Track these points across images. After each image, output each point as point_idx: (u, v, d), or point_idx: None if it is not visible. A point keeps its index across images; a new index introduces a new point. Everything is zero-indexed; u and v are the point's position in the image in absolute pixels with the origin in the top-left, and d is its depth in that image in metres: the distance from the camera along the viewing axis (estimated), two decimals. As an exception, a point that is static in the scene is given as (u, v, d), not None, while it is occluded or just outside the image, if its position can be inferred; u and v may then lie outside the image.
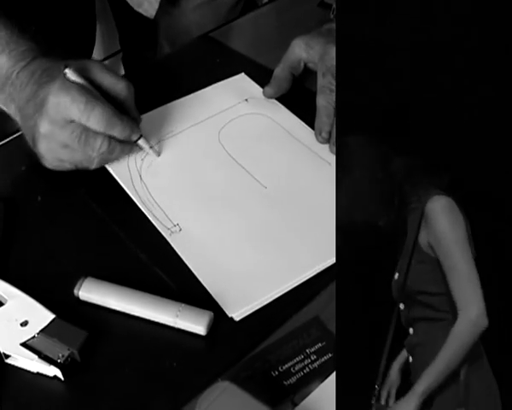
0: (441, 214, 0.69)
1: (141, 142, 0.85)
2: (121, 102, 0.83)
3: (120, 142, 0.83)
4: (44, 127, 0.80)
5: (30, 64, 0.83)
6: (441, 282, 0.69)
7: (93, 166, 0.83)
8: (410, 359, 0.72)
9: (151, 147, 0.87)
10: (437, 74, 0.74)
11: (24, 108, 0.82)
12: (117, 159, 0.85)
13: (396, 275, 0.72)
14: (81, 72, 0.81)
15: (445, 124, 0.73)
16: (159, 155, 0.88)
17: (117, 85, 0.83)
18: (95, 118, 0.78)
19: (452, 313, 0.67)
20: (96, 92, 0.81)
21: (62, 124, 0.79)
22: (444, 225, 0.69)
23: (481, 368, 0.69)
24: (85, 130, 0.79)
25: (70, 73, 0.80)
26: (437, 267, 0.69)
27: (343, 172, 0.71)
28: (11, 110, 0.85)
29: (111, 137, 0.81)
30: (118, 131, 0.81)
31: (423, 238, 0.70)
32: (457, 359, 0.66)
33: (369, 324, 0.74)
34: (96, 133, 0.80)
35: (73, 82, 0.80)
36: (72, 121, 0.79)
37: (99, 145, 0.81)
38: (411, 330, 0.71)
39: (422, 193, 0.70)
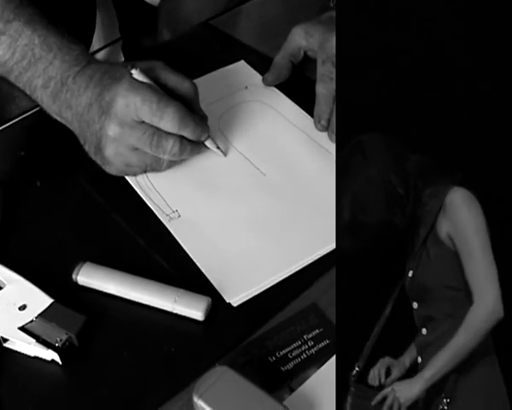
0: (462, 204, 0.68)
1: (208, 142, 0.83)
2: (187, 102, 0.80)
3: (190, 142, 0.80)
4: (113, 130, 0.76)
5: (85, 68, 0.79)
6: (461, 275, 0.68)
7: (162, 168, 0.81)
8: (419, 359, 0.71)
9: (218, 147, 0.85)
10: (442, 74, 0.74)
11: (85, 114, 0.78)
12: (185, 160, 0.83)
13: (410, 273, 0.71)
14: (146, 72, 0.78)
15: (456, 122, 0.73)
16: (225, 155, 0.86)
17: (182, 85, 0.80)
18: (168, 117, 0.76)
19: (470, 304, 0.67)
20: (163, 92, 0.78)
21: (132, 125, 0.76)
22: (465, 214, 0.68)
23: (481, 365, 0.68)
24: (157, 130, 0.77)
25: (137, 74, 0.77)
26: (456, 260, 0.69)
27: (349, 172, 0.71)
28: (67, 117, 0.80)
29: (182, 138, 0.79)
30: (190, 131, 0.78)
31: (442, 230, 0.70)
32: (469, 346, 0.65)
33: (368, 318, 0.74)
34: (168, 134, 0.77)
35: (141, 82, 0.77)
36: (142, 122, 0.76)
37: (171, 146, 0.78)
38: (424, 331, 0.70)
39: (441, 188, 0.70)
